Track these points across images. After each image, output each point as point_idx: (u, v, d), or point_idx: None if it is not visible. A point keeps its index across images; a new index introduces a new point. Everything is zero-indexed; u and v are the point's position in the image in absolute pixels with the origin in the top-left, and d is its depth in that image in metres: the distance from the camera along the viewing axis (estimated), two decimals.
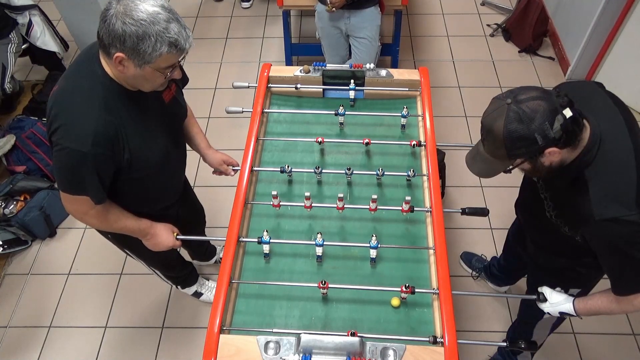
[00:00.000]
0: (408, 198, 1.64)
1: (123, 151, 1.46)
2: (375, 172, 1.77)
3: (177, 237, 1.78)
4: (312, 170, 1.81)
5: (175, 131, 1.73)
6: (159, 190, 1.76)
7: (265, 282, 1.62)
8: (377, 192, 1.83)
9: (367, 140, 1.87)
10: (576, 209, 1.31)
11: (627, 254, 1.27)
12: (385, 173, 1.79)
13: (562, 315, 1.56)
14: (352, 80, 2.06)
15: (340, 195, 1.66)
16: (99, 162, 1.42)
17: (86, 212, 1.54)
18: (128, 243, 1.85)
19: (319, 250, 1.63)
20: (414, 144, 1.86)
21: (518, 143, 1.21)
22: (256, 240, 1.62)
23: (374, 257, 1.63)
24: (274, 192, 1.69)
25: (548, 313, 1.58)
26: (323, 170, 1.82)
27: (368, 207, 1.69)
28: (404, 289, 1.49)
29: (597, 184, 1.26)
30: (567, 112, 1.19)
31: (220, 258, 2.31)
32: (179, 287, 2.48)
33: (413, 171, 1.78)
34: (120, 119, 1.43)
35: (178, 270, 2.33)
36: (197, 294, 2.56)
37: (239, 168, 1.85)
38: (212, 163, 1.95)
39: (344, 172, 1.78)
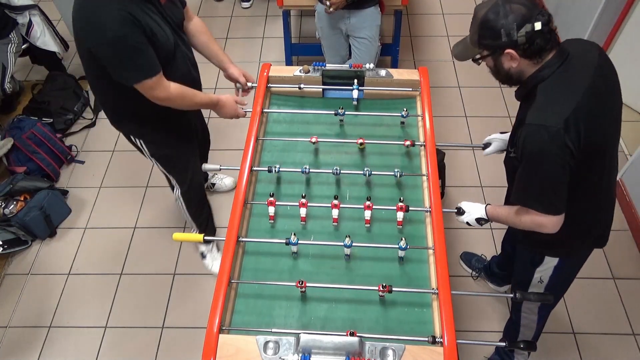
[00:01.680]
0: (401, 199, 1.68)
1: (144, 28, 1.66)
2: (375, 173, 1.78)
3: (243, 109, 2.08)
4: (313, 171, 1.81)
5: (177, 25, 1.90)
6: (182, 80, 1.92)
7: (264, 282, 1.62)
8: (378, 192, 1.84)
9: (361, 141, 1.87)
10: (519, 118, 1.47)
11: (534, 165, 1.40)
12: (386, 173, 1.79)
13: (480, 222, 1.72)
14: (355, 80, 2.06)
15: (335, 201, 1.67)
16: (136, 38, 1.64)
17: (167, 91, 1.80)
18: (165, 157, 2.19)
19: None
20: (407, 144, 1.86)
21: (487, 32, 1.39)
22: (284, 241, 1.62)
23: (401, 255, 1.65)
24: (271, 194, 1.71)
25: (467, 223, 1.74)
26: (321, 171, 1.82)
27: (363, 206, 1.69)
28: (381, 288, 1.50)
29: (542, 96, 1.40)
30: (537, 25, 1.33)
31: (212, 184, 2.85)
32: (194, 232, 2.60)
33: (400, 172, 1.79)
34: (132, 7, 1.64)
35: (198, 192, 2.47)
36: (202, 255, 2.71)
37: (256, 85, 2.08)
38: (232, 75, 2.15)
39: (341, 172, 1.78)
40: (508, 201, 1.87)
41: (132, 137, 2.11)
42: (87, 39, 1.70)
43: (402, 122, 1.98)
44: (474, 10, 1.44)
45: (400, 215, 1.69)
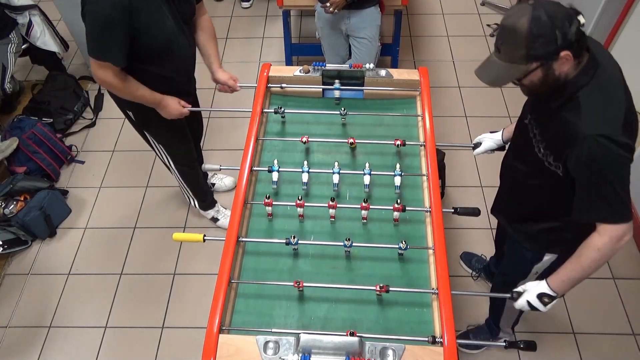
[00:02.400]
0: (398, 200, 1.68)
1: (132, 19, 1.72)
2: (375, 173, 1.78)
3: (185, 107, 2.11)
4: (313, 171, 1.81)
5: (182, 20, 1.95)
6: (167, 77, 2.01)
7: (264, 282, 1.62)
8: (378, 192, 1.84)
9: (351, 141, 1.88)
10: (565, 129, 1.34)
11: (605, 176, 1.31)
12: (386, 173, 1.79)
13: (543, 299, 1.48)
14: (337, 80, 2.09)
15: (333, 203, 1.67)
16: (116, 25, 1.71)
17: (112, 80, 1.86)
18: (151, 128, 2.26)
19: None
20: (398, 144, 1.86)
21: (539, 39, 1.25)
22: (284, 241, 1.62)
23: (402, 253, 1.64)
24: (267, 196, 1.72)
25: (530, 305, 1.51)
26: (321, 171, 1.82)
27: (359, 206, 1.69)
28: (378, 288, 1.50)
29: (590, 104, 1.31)
30: (581, 19, 1.26)
31: (212, 184, 2.96)
32: (197, 205, 2.77)
33: (401, 172, 1.79)
34: None
35: (190, 165, 2.56)
36: (214, 219, 2.85)
37: (246, 85, 2.16)
38: (220, 79, 2.19)
39: (341, 172, 1.78)
40: (504, 212, 1.86)
41: (125, 109, 2.22)
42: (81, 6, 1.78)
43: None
44: (503, 26, 1.31)
45: (396, 214, 1.70)
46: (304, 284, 1.53)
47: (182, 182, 2.62)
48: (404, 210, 1.68)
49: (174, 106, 2.09)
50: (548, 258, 1.72)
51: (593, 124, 1.29)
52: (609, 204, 1.34)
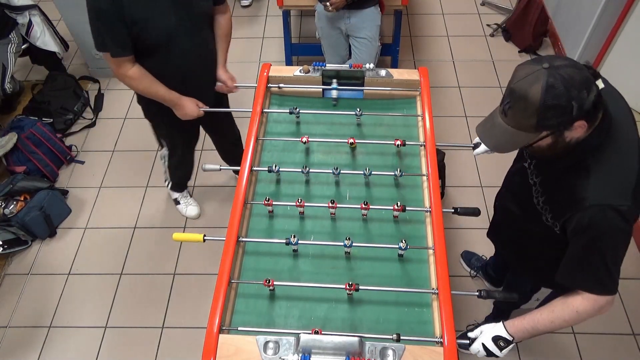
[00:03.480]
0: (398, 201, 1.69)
1: (124, 11, 1.73)
2: (375, 173, 1.78)
3: (201, 108, 2.12)
4: (313, 171, 1.81)
5: (188, 22, 1.92)
6: (158, 74, 1.98)
7: (264, 281, 1.62)
8: (378, 192, 1.84)
9: (351, 141, 1.88)
10: (570, 192, 1.26)
11: (599, 247, 1.24)
12: (386, 173, 1.79)
13: (499, 342, 1.40)
14: (334, 80, 2.09)
15: (334, 204, 1.67)
16: (107, 17, 1.74)
17: (125, 72, 1.90)
18: (156, 118, 2.28)
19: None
20: (398, 144, 1.86)
21: (552, 111, 1.12)
22: (284, 241, 1.62)
23: (401, 254, 1.64)
24: (267, 197, 1.73)
25: (486, 350, 1.42)
26: (321, 171, 1.82)
27: (359, 206, 1.69)
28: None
29: (599, 170, 1.22)
30: (600, 84, 1.15)
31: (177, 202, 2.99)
32: (167, 183, 2.87)
33: (400, 170, 1.79)
34: None
35: (185, 167, 2.70)
36: (176, 202, 2.95)
37: (247, 85, 2.19)
38: (220, 78, 2.17)
39: (341, 172, 1.79)
40: (499, 237, 1.85)
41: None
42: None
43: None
44: (512, 89, 1.18)
45: (396, 213, 1.70)
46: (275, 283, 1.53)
47: (167, 167, 2.69)
48: (404, 210, 1.68)
49: (190, 107, 2.09)
50: (546, 290, 1.71)
51: (601, 193, 1.20)
52: (595, 275, 1.28)
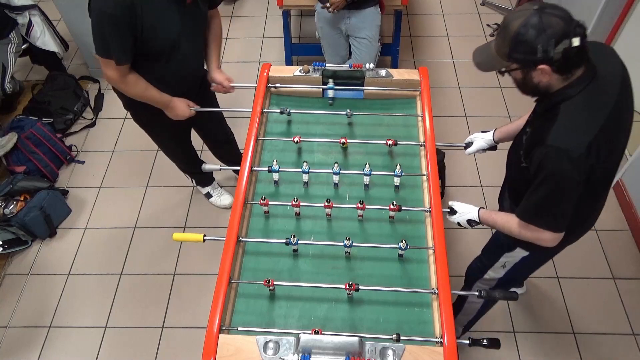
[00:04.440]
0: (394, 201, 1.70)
1: (136, 20, 1.73)
2: (375, 173, 1.77)
3: (192, 108, 2.14)
4: (313, 171, 1.81)
5: (191, 29, 1.95)
6: (157, 78, 1.99)
7: (264, 281, 1.62)
8: (378, 192, 1.84)
9: (343, 140, 1.88)
10: (539, 132, 1.39)
11: (548, 187, 1.36)
12: (386, 173, 1.79)
13: (470, 224, 1.71)
14: (330, 80, 2.09)
15: (329, 203, 1.67)
16: (118, 24, 1.72)
17: (123, 79, 1.89)
18: (150, 125, 2.30)
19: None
20: (390, 144, 1.86)
21: (520, 46, 1.28)
22: (284, 241, 1.63)
23: (401, 254, 1.66)
24: (263, 196, 1.73)
25: (458, 223, 1.73)
26: (321, 171, 1.82)
27: (355, 206, 1.69)
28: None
29: (566, 117, 1.33)
30: (576, 41, 1.25)
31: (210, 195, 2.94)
32: (193, 181, 2.92)
33: (400, 171, 1.80)
34: None
35: (190, 164, 2.68)
36: (208, 195, 2.96)
37: (246, 86, 2.12)
38: (216, 79, 2.19)
39: (341, 172, 1.78)
40: (502, 197, 1.87)
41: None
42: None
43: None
44: (504, 19, 1.34)
45: (392, 213, 1.72)
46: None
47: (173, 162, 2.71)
48: (399, 210, 1.68)
49: (182, 107, 2.10)
50: (519, 252, 1.73)
51: (559, 136, 1.32)
52: (543, 213, 1.43)
